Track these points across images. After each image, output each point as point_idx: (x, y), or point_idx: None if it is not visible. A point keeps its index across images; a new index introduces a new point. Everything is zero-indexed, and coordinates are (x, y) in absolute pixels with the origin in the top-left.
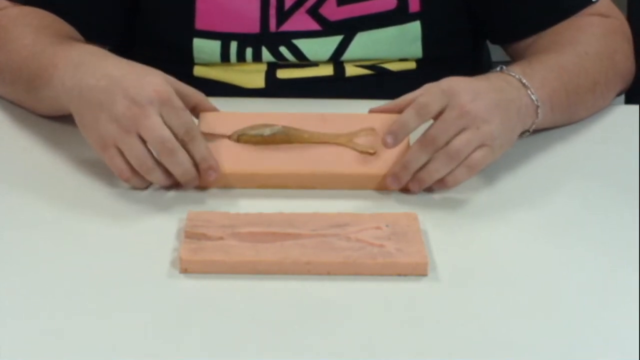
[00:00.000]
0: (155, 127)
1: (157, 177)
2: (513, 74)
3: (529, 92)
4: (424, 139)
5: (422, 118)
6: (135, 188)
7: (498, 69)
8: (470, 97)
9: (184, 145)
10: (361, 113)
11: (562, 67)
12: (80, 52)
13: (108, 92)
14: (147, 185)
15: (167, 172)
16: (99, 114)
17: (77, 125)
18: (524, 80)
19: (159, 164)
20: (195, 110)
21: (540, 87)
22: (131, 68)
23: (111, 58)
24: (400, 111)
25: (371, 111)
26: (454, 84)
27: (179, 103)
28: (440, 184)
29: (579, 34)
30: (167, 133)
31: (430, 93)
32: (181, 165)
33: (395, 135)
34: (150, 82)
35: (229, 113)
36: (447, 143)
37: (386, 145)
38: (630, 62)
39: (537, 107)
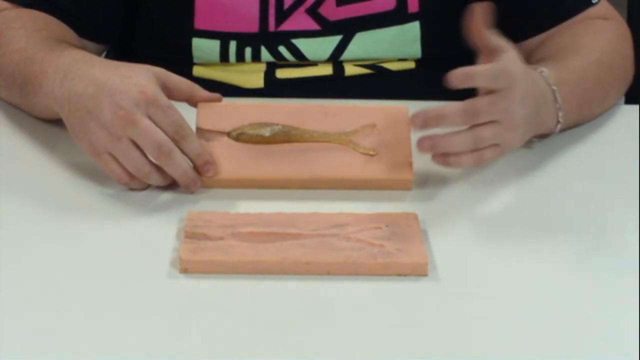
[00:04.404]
0: (148, 132)
1: (156, 179)
2: (554, 87)
3: (559, 114)
4: (469, 107)
5: (466, 122)
6: (135, 189)
7: (539, 71)
8: (520, 99)
9: (176, 143)
10: (362, 105)
11: (585, 77)
12: (69, 59)
13: (95, 98)
14: (147, 186)
15: (165, 173)
16: (88, 122)
17: None
18: (559, 101)
19: (155, 166)
20: (191, 101)
21: (566, 101)
22: (116, 71)
23: (98, 63)
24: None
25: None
26: (516, 74)
27: (165, 101)
28: (444, 160)
29: (595, 39)
30: (161, 136)
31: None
32: (179, 167)
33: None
34: (135, 83)
35: (228, 104)
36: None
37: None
38: (630, 65)
39: (558, 123)
